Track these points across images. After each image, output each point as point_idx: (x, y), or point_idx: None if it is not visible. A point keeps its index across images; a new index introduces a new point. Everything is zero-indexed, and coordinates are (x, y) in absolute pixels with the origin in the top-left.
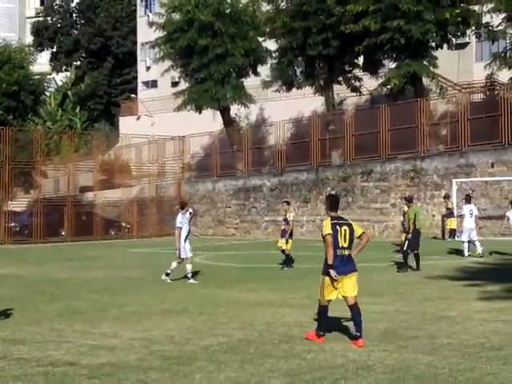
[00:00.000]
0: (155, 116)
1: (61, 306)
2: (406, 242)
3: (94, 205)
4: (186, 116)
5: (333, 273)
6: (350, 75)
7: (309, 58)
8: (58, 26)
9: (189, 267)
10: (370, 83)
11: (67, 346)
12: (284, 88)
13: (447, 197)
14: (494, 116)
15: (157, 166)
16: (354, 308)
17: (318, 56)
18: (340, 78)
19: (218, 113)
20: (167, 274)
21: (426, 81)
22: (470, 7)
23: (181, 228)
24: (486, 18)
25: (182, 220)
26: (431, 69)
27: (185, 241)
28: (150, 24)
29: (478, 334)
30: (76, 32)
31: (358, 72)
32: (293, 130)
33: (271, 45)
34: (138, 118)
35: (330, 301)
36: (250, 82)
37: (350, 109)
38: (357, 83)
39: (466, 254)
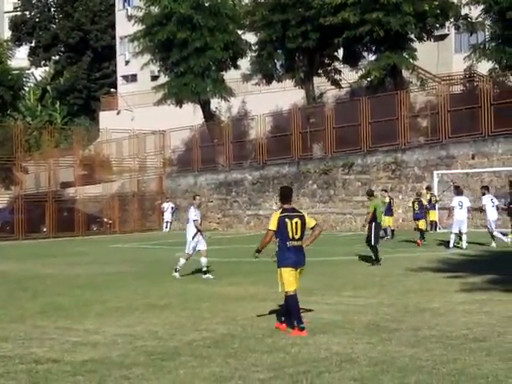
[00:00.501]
0: (135, 110)
1: (44, 303)
2: (373, 235)
3: (76, 200)
4: (167, 110)
5: (255, 255)
6: (329, 68)
7: (288, 50)
8: (36, 20)
9: (204, 260)
10: (350, 76)
11: (50, 342)
12: (264, 81)
13: (428, 188)
14: (474, 108)
15: (138, 161)
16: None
17: (298, 49)
18: (320, 71)
19: (199, 107)
20: (176, 270)
21: (405, 73)
22: None
23: (197, 221)
24: (464, 10)
25: (196, 213)
26: (411, 61)
27: (193, 237)
28: (129, 18)
29: (461, 325)
30: (54, 26)
31: (337, 65)
32: (273, 123)
33: (251, 37)
34: (118, 113)
35: (295, 290)
36: (230, 76)
37: (331, 101)
38: (337, 76)
39: (452, 245)
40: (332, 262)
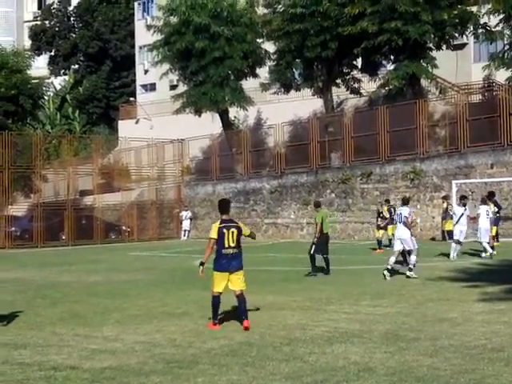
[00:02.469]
0: (154, 119)
1: (62, 310)
2: (313, 246)
3: (94, 208)
4: (185, 119)
5: (200, 271)
6: (348, 77)
7: (307, 60)
8: (56, 29)
9: (413, 258)
10: (368, 85)
11: (69, 350)
12: (282, 90)
13: (445, 198)
14: (493, 117)
15: (156, 170)
16: (240, 298)
17: (316, 58)
18: (338, 80)
19: (217, 115)
20: (410, 270)
21: (424, 82)
22: (468, 8)
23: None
24: (483, 19)
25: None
26: (430, 70)
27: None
28: (148, 27)
29: (480, 335)
30: (74, 35)
31: (356, 74)
32: (292, 132)
33: (269, 46)
34: (136, 122)
35: (220, 292)
36: (249, 85)
37: (349, 110)
38: (356, 85)
39: (485, 254)
40: (350, 271)
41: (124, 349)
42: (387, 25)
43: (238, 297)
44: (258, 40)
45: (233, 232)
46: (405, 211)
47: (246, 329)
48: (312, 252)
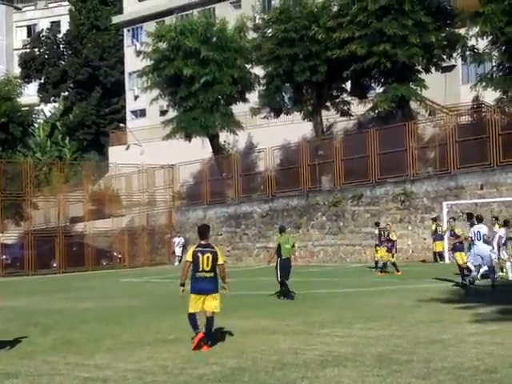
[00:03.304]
0: (144, 145)
1: (54, 338)
2: (278, 271)
3: (85, 235)
4: (175, 144)
5: (181, 290)
6: (338, 100)
7: (296, 84)
8: (46, 57)
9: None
10: (358, 108)
11: (60, 378)
12: (272, 114)
13: (435, 219)
14: (482, 138)
15: (147, 195)
16: (210, 320)
17: (306, 82)
18: (328, 104)
19: (207, 140)
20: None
21: (413, 104)
22: (456, 30)
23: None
24: (471, 41)
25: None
26: (419, 92)
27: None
28: (137, 53)
29: (472, 356)
30: (63, 63)
31: (346, 97)
32: (282, 156)
33: (259, 71)
34: (127, 148)
35: (195, 312)
36: (239, 109)
37: (339, 134)
38: (345, 108)
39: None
40: (343, 293)
41: (116, 377)
42: (376, 48)
43: (207, 318)
44: (247, 65)
45: (208, 257)
46: (483, 229)
47: (206, 350)
48: (278, 279)
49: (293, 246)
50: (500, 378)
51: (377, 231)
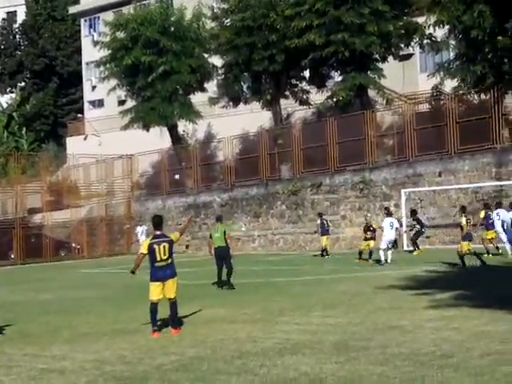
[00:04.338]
0: (103, 135)
1: (12, 330)
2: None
3: (43, 226)
4: (134, 134)
5: (130, 276)
6: (296, 89)
7: (255, 73)
8: (2, 47)
9: None
10: (316, 96)
11: (17, 370)
12: (231, 104)
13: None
14: (440, 126)
15: (106, 186)
16: (173, 305)
17: (264, 71)
18: (287, 92)
19: (166, 130)
20: None
21: (372, 93)
22: (413, 19)
23: None
24: (429, 30)
25: None
26: (377, 80)
27: None
28: (95, 43)
29: (429, 342)
30: (20, 53)
31: (304, 85)
32: (241, 145)
33: (217, 61)
34: (85, 138)
35: (157, 300)
36: (198, 99)
37: (298, 122)
38: (304, 96)
39: (383, 260)
40: (302, 281)
41: (73, 368)
42: (334, 37)
43: (171, 304)
44: (205, 54)
45: (164, 246)
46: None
47: (174, 333)
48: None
49: (224, 233)
50: (456, 362)
51: (319, 221)
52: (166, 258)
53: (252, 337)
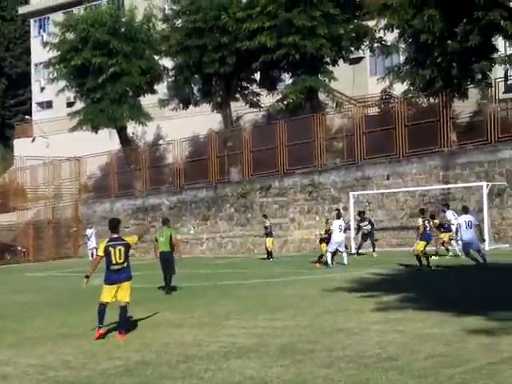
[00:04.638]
0: (51, 137)
1: None
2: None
3: None
4: (82, 136)
5: (84, 282)
6: (247, 91)
7: (205, 75)
8: None
9: None
10: (267, 99)
11: None
12: (181, 106)
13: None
14: (389, 129)
15: (53, 188)
16: (123, 310)
17: (215, 73)
18: (237, 95)
19: (115, 132)
20: None
21: (322, 96)
22: (364, 23)
23: None
24: (379, 34)
25: None
26: (328, 83)
27: None
28: (44, 44)
29: (375, 344)
30: None
31: (255, 88)
32: (191, 147)
33: (168, 63)
34: (33, 140)
35: (107, 302)
36: (147, 101)
37: (248, 125)
38: (255, 99)
39: (331, 263)
40: (249, 284)
41: (16, 373)
42: (285, 39)
43: (121, 308)
44: (156, 56)
45: (120, 249)
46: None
47: (119, 338)
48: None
49: (171, 237)
50: (401, 365)
51: (268, 223)
52: (121, 261)
53: (198, 341)
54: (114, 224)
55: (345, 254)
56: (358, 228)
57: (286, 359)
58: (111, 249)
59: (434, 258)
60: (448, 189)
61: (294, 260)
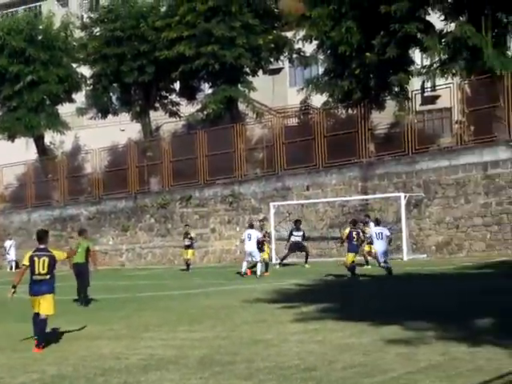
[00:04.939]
0: None
1: None
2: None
3: None
4: None
5: (10, 292)
6: (166, 101)
7: (124, 84)
8: None
9: None
10: (187, 109)
11: None
12: (99, 115)
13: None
14: (308, 140)
15: None
16: (41, 322)
17: (134, 82)
18: (157, 104)
19: (32, 141)
20: None
21: (242, 106)
22: (283, 34)
23: None
24: (298, 45)
25: None
26: (247, 94)
27: None
28: None
29: (294, 355)
30: None
31: (174, 98)
32: (110, 157)
33: (86, 71)
34: None
35: (36, 313)
36: (65, 109)
37: (168, 135)
38: (174, 108)
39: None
40: (169, 296)
41: None
42: (204, 49)
43: (40, 320)
44: (74, 64)
45: (44, 260)
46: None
47: (37, 351)
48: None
49: (87, 249)
50: (319, 375)
51: (193, 234)
52: (44, 272)
53: (116, 353)
54: (41, 235)
55: (259, 265)
56: (289, 236)
57: (205, 371)
58: (35, 258)
59: (366, 267)
60: (367, 199)
61: (215, 271)
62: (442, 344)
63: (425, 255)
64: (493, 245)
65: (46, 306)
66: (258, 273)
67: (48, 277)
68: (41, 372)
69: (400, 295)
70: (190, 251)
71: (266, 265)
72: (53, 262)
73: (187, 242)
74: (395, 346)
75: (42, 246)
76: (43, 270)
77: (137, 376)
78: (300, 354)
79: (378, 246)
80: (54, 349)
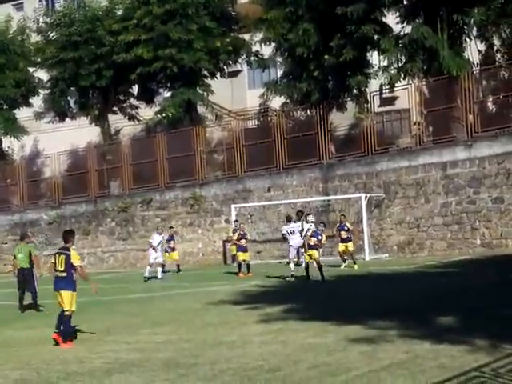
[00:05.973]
0: None
1: None
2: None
3: None
4: None
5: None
6: (125, 104)
7: (82, 88)
8: None
9: None
10: (146, 112)
11: None
12: (57, 119)
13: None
14: (268, 142)
15: None
16: (60, 315)
17: (91, 86)
18: (115, 108)
19: None
20: None
21: (201, 109)
22: (240, 36)
23: None
24: (256, 47)
25: None
26: (206, 96)
27: None
28: None
29: (257, 356)
30: None
31: (133, 101)
32: (69, 161)
33: (43, 75)
34: None
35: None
36: (23, 114)
37: (127, 138)
38: (133, 112)
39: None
40: (131, 299)
41: None
42: (162, 52)
43: (59, 314)
44: (31, 68)
45: (62, 258)
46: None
47: (55, 340)
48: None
49: (30, 254)
50: (283, 375)
51: (167, 236)
52: (61, 269)
53: (79, 357)
54: (64, 235)
55: (159, 268)
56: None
57: (170, 373)
58: (56, 256)
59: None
60: (328, 200)
61: (178, 274)
62: (404, 342)
63: (386, 255)
64: (453, 244)
65: (64, 300)
66: (159, 276)
67: (65, 274)
68: (3, 377)
69: (362, 295)
70: (176, 253)
71: (248, 266)
72: (69, 259)
73: (172, 244)
74: (358, 344)
75: (64, 245)
76: (61, 267)
77: (100, 379)
78: (264, 354)
79: (293, 242)
80: (15, 353)
